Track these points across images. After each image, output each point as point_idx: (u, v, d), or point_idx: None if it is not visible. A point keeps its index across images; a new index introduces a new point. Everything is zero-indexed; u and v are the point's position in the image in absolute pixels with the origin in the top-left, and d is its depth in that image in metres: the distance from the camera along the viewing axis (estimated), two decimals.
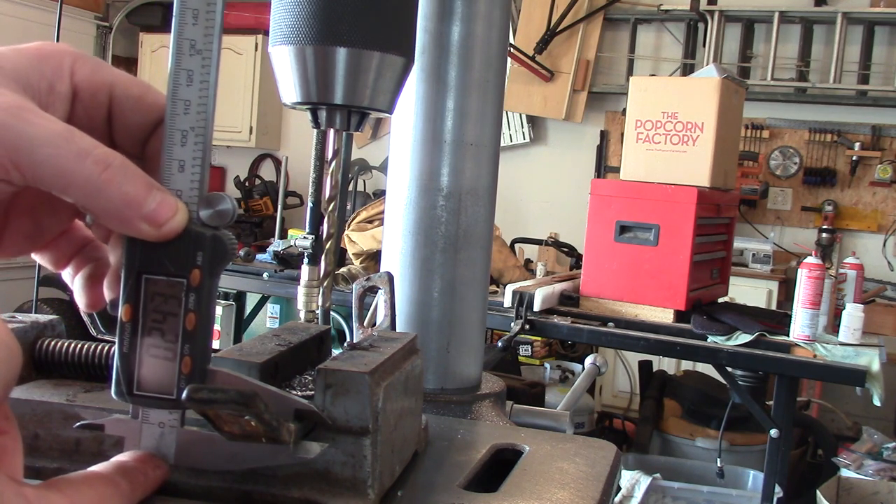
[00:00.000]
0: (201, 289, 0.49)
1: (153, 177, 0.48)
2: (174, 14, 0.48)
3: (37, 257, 0.56)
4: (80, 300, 0.56)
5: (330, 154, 0.91)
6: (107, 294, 0.54)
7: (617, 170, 4.63)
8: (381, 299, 0.75)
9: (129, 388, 0.49)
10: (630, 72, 6.27)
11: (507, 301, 3.24)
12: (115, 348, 0.49)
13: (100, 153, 0.46)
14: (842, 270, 3.35)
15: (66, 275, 0.57)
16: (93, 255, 0.57)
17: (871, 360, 2.81)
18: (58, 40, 2.44)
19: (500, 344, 3.19)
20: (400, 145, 1.10)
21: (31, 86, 0.48)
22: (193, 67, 0.48)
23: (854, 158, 5.85)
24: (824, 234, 5.72)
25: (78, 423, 0.54)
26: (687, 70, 6.05)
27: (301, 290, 1.83)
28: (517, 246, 4.97)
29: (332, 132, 0.87)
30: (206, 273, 0.49)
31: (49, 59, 0.50)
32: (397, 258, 1.11)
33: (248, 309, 4.99)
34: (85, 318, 0.63)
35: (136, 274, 0.49)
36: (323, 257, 1.03)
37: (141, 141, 0.52)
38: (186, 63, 0.48)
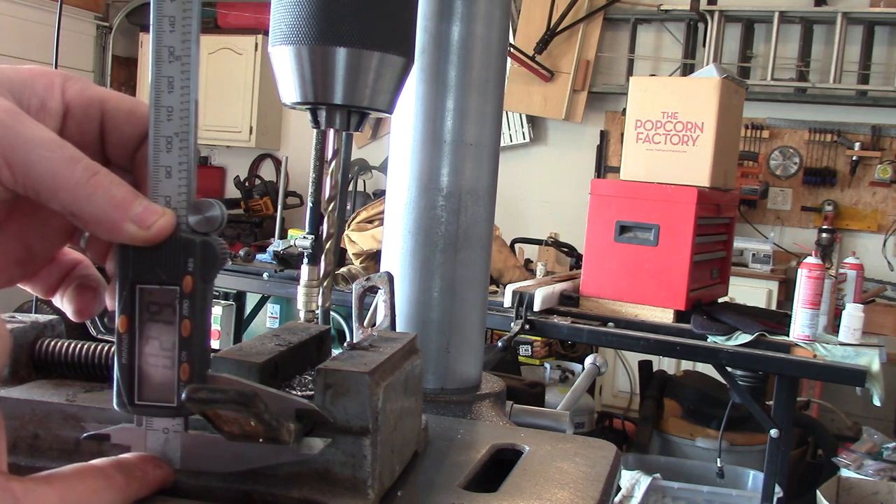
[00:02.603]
0: (194, 295, 0.49)
1: (142, 184, 0.49)
2: (151, 22, 0.49)
3: (26, 287, 0.57)
4: (68, 308, 0.56)
5: (330, 154, 0.91)
6: (109, 304, 0.54)
7: (617, 170, 4.63)
8: (380, 299, 0.75)
9: (130, 399, 0.50)
10: (630, 72, 6.27)
11: (507, 301, 3.24)
12: (115, 359, 0.50)
13: (89, 161, 0.47)
14: (842, 270, 3.35)
15: (57, 299, 0.57)
16: (81, 274, 0.57)
17: (871, 360, 2.81)
18: (58, 40, 2.44)
19: (500, 344, 3.19)
20: (400, 145, 1.10)
21: (23, 102, 0.49)
22: (174, 74, 0.49)
23: (854, 158, 5.85)
24: (824, 234, 5.72)
25: (85, 434, 0.54)
26: (687, 70, 6.05)
27: (301, 290, 1.83)
28: (517, 246, 4.97)
29: (331, 132, 0.88)
30: (198, 279, 0.49)
31: (41, 78, 0.51)
32: (397, 258, 1.11)
33: (248, 309, 4.99)
34: None
35: (130, 284, 0.49)
36: (323, 257, 1.03)
37: (132, 153, 0.53)
38: (167, 70, 0.49)
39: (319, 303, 1.16)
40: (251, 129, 7.27)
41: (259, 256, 4.13)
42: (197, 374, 0.49)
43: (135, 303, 0.49)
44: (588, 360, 2.03)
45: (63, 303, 0.56)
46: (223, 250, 0.50)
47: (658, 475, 3.34)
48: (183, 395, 0.46)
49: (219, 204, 0.50)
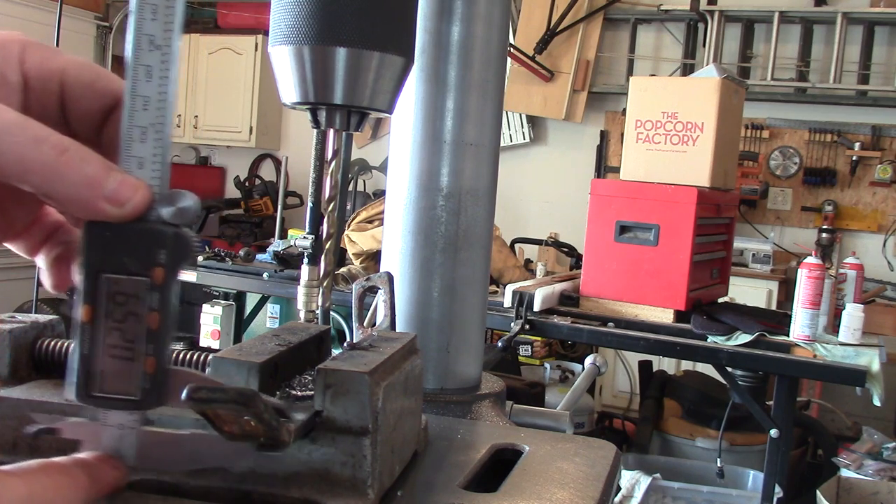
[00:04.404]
0: (164, 288, 0.47)
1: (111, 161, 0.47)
2: (132, 9, 0.47)
3: (10, 245, 0.56)
4: (46, 281, 0.56)
5: (330, 154, 0.91)
6: (75, 277, 0.54)
7: (617, 170, 4.63)
8: (380, 299, 0.75)
9: (89, 391, 0.48)
10: (630, 72, 6.27)
11: (507, 301, 3.24)
12: (74, 349, 0.48)
13: (56, 139, 0.46)
14: (842, 270, 3.35)
15: (39, 260, 0.56)
16: (63, 239, 0.56)
17: (871, 360, 2.81)
18: (58, 40, 2.44)
19: (500, 344, 3.19)
20: (400, 145, 1.10)
21: None
22: (152, 63, 0.47)
23: (854, 158, 5.85)
24: (824, 234, 5.72)
25: (34, 429, 0.53)
26: (687, 70, 6.05)
27: (301, 290, 1.83)
28: (517, 246, 4.97)
29: (331, 132, 0.88)
30: (169, 271, 0.47)
31: None
32: (397, 258, 1.11)
33: (248, 309, 4.99)
34: None
35: (95, 273, 0.47)
36: (323, 257, 1.03)
37: (96, 127, 0.52)
38: (145, 59, 0.47)
39: (319, 303, 1.16)
40: (251, 129, 7.27)
41: (259, 256, 4.13)
42: (161, 369, 0.48)
43: (100, 292, 0.47)
44: (588, 360, 2.03)
45: (42, 273, 0.56)
46: (194, 243, 0.48)
47: (658, 475, 3.34)
48: (183, 395, 0.45)
49: (193, 195, 0.48)
